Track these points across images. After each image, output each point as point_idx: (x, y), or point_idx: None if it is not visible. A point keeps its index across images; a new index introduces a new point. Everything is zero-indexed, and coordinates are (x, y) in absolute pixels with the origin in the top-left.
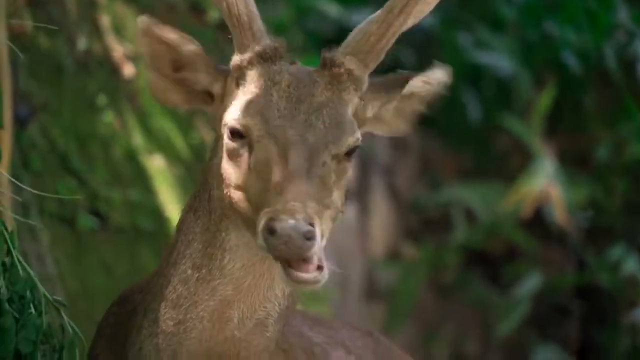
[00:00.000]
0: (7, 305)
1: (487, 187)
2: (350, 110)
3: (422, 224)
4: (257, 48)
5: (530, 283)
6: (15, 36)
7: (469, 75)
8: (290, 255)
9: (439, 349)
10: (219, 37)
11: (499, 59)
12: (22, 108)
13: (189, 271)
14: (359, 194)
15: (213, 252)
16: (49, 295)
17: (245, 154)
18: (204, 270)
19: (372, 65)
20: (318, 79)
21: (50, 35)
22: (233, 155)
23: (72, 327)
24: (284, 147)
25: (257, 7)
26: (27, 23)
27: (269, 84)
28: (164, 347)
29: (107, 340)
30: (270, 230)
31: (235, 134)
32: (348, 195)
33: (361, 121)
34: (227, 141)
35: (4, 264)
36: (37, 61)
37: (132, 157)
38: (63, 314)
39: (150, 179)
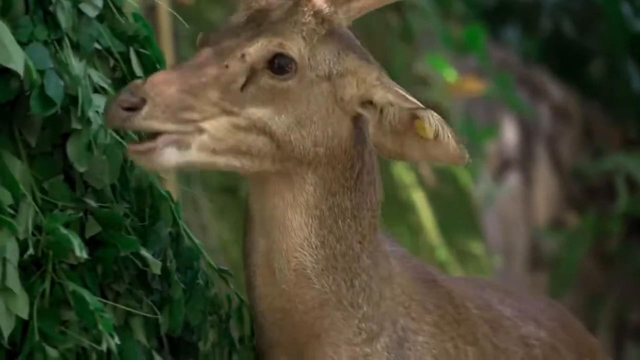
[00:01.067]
0: (175, 277)
1: None
2: (296, 35)
3: (585, 192)
4: None
5: None
6: (178, 7)
7: (631, 44)
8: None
9: (603, 317)
10: None
11: None
12: None
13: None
14: (522, 164)
15: (247, 202)
16: (215, 266)
17: None
18: (248, 224)
19: (340, 3)
20: (286, 5)
21: (213, 6)
22: None
23: (238, 297)
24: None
25: None
26: None
27: (244, 7)
28: (250, 311)
29: None
30: None
31: None
32: (298, 129)
33: (365, 93)
34: None
35: (170, 234)
36: (199, 32)
37: None
38: (230, 284)
39: None
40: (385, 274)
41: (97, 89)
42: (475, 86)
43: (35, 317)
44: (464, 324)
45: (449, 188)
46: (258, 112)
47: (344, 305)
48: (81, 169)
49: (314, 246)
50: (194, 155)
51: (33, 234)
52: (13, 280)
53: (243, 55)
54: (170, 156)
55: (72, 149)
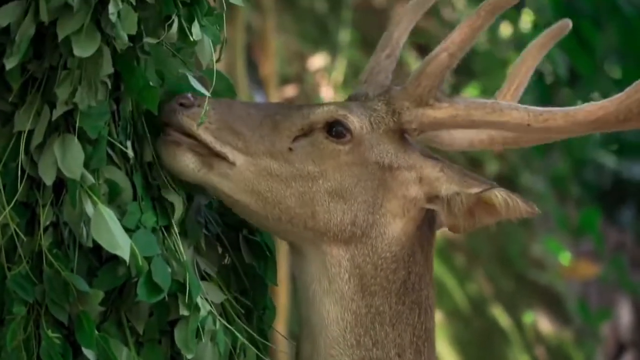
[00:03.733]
0: None
1: None
2: (364, 116)
3: None
4: None
5: None
6: None
7: None
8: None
9: None
10: None
11: None
12: None
13: None
14: (637, 346)
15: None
16: None
17: None
18: (299, 335)
19: (416, 105)
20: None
21: None
22: None
23: None
24: None
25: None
26: None
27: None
28: None
29: None
30: None
31: None
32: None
33: (430, 189)
34: None
35: None
36: None
37: None
38: None
39: None
40: None
41: (204, 276)
42: (589, 269)
43: None
44: None
45: None
46: (304, 166)
47: None
48: (189, 356)
49: (349, 344)
50: (214, 179)
51: None
52: None
53: (309, 114)
54: (187, 163)
55: (180, 335)
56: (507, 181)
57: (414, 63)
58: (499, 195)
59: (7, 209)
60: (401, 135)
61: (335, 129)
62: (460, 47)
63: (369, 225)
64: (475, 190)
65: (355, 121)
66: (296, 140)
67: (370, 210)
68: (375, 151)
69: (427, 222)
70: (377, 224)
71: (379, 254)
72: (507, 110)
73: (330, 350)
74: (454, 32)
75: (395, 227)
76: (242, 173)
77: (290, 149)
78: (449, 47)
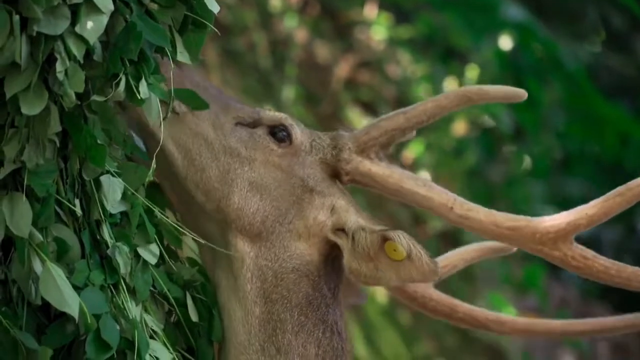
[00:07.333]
0: None
1: None
2: (307, 137)
3: None
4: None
5: None
6: None
7: None
8: None
9: None
10: (441, 247)
11: None
12: None
13: None
14: None
15: None
16: None
17: None
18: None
19: (359, 151)
20: None
21: None
22: None
23: None
24: None
25: None
26: None
27: None
28: None
29: None
30: None
31: None
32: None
33: (338, 219)
34: None
35: None
36: None
37: None
38: None
39: None
40: None
41: (151, 334)
42: None
43: None
44: None
45: None
46: (235, 146)
47: None
48: None
49: (254, 349)
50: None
51: None
52: None
53: (259, 112)
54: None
55: None
56: (451, 238)
57: (356, 119)
58: (403, 238)
59: None
60: (333, 172)
61: (278, 134)
62: (417, 115)
63: (274, 234)
64: (380, 227)
65: (299, 134)
66: (239, 125)
67: (279, 220)
68: (304, 170)
69: (334, 268)
70: (282, 237)
71: (280, 264)
72: (437, 190)
73: (240, 356)
74: (420, 102)
75: (299, 245)
76: (182, 123)
77: (230, 132)
78: (407, 111)
